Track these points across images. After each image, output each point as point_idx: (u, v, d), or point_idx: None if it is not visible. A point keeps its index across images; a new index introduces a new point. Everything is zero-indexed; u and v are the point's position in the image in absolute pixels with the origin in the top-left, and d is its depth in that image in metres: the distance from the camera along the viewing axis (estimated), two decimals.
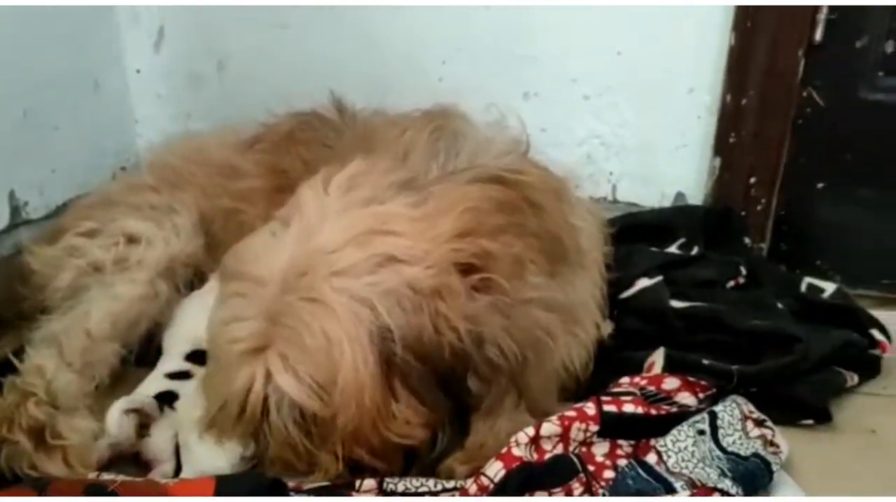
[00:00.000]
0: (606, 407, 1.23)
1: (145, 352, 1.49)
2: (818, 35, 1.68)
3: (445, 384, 1.14)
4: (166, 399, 1.34)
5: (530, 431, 1.18)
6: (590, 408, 1.23)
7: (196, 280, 1.54)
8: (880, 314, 1.61)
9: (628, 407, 1.25)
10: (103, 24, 2.02)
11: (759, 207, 1.80)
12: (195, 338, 1.45)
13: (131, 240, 1.49)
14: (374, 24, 1.92)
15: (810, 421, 1.40)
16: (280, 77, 2.01)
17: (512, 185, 1.27)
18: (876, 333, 1.53)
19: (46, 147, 1.83)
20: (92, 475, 1.18)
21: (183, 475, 1.21)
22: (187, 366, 1.41)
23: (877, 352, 1.53)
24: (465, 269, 1.13)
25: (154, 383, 1.38)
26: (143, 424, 1.29)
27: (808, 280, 1.71)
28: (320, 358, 1.07)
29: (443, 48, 1.91)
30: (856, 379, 1.49)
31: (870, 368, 1.53)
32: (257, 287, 1.11)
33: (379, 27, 1.92)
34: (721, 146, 1.79)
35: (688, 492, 1.07)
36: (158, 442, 1.27)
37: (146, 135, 2.15)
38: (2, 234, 1.73)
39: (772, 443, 1.25)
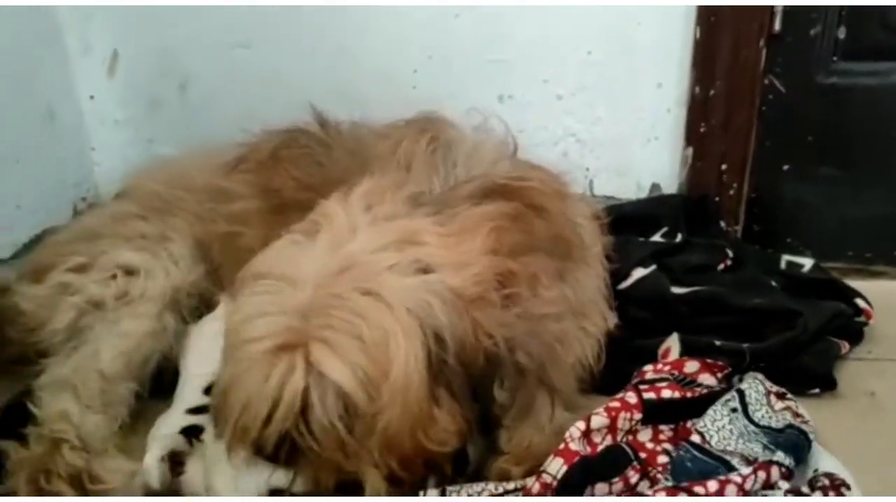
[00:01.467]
0: (646, 395, 1.27)
1: (157, 384, 1.43)
2: (777, 25, 1.77)
3: (474, 391, 1.14)
4: (192, 432, 1.29)
5: (581, 425, 1.20)
6: (631, 398, 1.26)
7: (203, 308, 1.49)
8: (850, 284, 1.71)
9: (666, 393, 1.29)
10: (53, 52, 1.93)
11: (731, 192, 1.88)
12: (211, 370, 1.41)
13: (129, 272, 1.43)
14: (342, 36, 1.91)
15: (816, 390, 1.47)
16: (245, 96, 1.97)
17: (518, 193, 1.29)
18: (860, 302, 1.62)
19: (10, 183, 1.75)
20: None
21: None
22: (207, 399, 1.36)
23: (861, 319, 1.62)
24: (496, 284, 1.15)
25: (176, 420, 1.33)
26: (178, 461, 1.24)
27: (786, 257, 1.79)
28: (374, 350, 1.04)
29: (414, 57, 1.91)
30: (847, 346, 1.58)
31: (856, 336, 1.62)
32: (287, 285, 1.09)
33: (347, 39, 1.91)
34: (692, 136, 1.86)
35: (747, 468, 1.11)
36: (196, 477, 1.23)
37: (104, 163, 2.07)
38: None
39: (798, 414, 1.31)
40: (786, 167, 1.88)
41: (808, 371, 1.47)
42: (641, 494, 1.11)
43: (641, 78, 1.87)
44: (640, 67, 1.86)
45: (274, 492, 1.14)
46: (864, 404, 1.48)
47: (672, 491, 1.05)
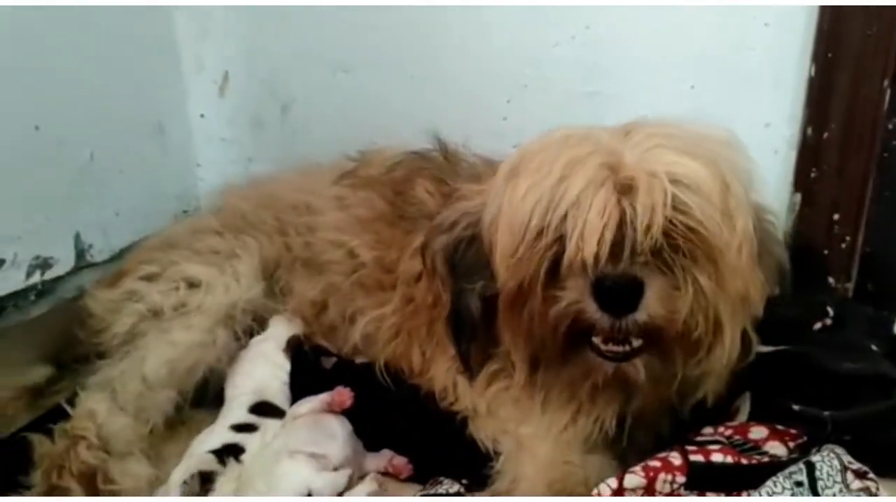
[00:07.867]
0: (693, 457, 1.15)
1: (201, 395, 1.47)
2: None
3: None
4: (231, 451, 1.30)
5: (612, 483, 1.10)
6: (675, 458, 1.15)
7: (256, 326, 1.51)
8: None
9: (717, 457, 1.16)
10: (169, 70, 2.05)
11: (843, 245, 1.70)
12: (259, 390, 1.43)
13: (192, 285, 1.47)
14: (436, 64, 1.90)
15: None
16: (343, 120, 2.01)
17: None
18: None
19: (111, 190, 1.86)
20: None
21: None
22: (252, 418, 1.37)
23: None
24: None
25: (218, 435, 1.34)
26: (207, 479, 1.24)
27: None
28: (711, 167, 1.16)
29: (507, 86, 1.87)
30: None
31: None
32: (589, 138, 1.16)
33: (442, 67, 1.90)
34: (801, 181, 1.70)
35: None
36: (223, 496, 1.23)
37: (207, 178, 2.16)
38: (67, 277, 1.74)
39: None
40: None
41: None
42: None
43: (747, 115, 1.73)
44: (747, 104, 1.73)
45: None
46: None
47: None
